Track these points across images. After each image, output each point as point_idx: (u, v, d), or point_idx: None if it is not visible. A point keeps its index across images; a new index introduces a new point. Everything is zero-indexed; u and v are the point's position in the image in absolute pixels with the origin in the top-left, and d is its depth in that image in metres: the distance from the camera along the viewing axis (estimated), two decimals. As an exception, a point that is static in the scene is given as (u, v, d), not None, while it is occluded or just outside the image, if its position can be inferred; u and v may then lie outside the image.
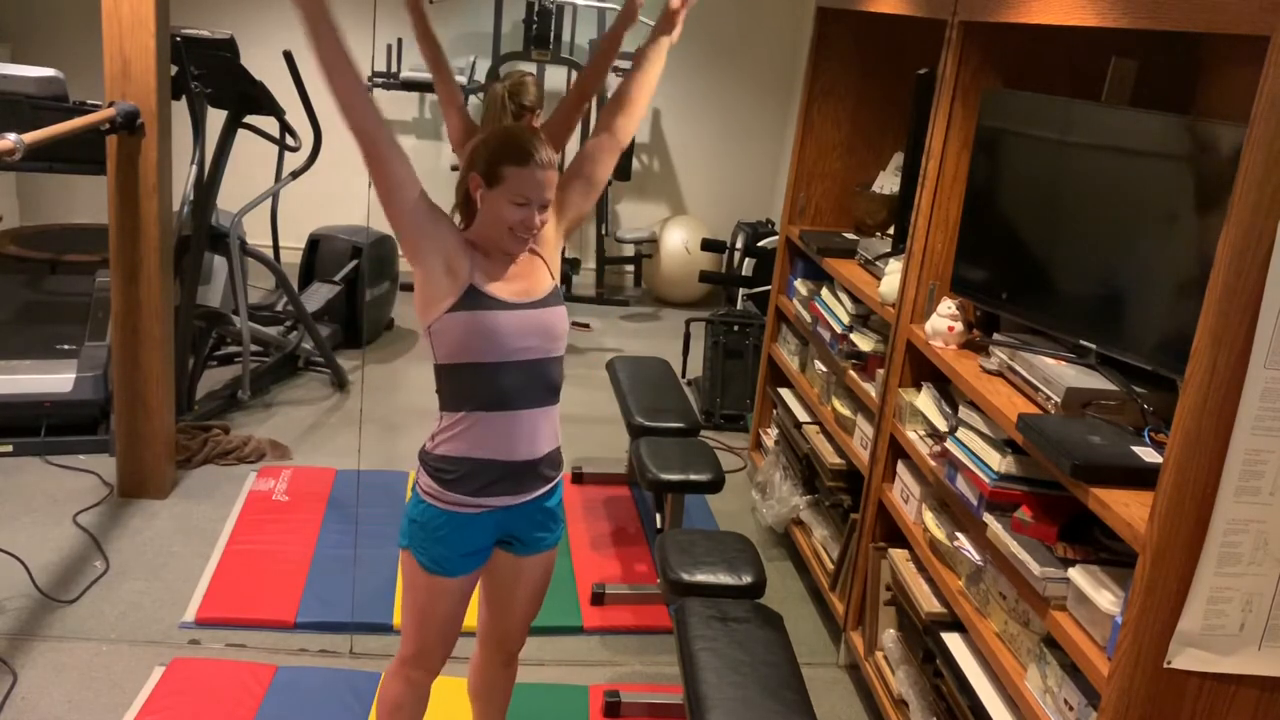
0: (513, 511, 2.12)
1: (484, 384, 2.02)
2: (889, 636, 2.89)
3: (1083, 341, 2.33)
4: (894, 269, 3.00)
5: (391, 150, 1.98)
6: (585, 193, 2.23)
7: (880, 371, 3.04)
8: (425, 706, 2.29)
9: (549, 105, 3.33)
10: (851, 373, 3.25)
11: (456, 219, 2.12)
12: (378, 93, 6.51)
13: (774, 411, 4.18)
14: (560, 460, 2.20)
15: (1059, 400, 2.20)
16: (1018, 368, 2.39)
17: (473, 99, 6.50)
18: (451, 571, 2.10)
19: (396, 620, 3.14)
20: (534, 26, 6.03)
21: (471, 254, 2.02)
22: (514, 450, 2.07)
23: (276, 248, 5.39)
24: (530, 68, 6.71)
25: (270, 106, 4.47)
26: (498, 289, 2.02)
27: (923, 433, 2.75)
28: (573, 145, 5.96)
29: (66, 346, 4.20)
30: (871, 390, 3.10)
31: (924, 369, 2.81)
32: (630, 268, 7.07)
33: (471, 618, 2.33)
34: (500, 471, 2.07)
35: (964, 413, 2.50)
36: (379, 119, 1.98)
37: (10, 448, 3.99)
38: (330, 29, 1.96)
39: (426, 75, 6.26)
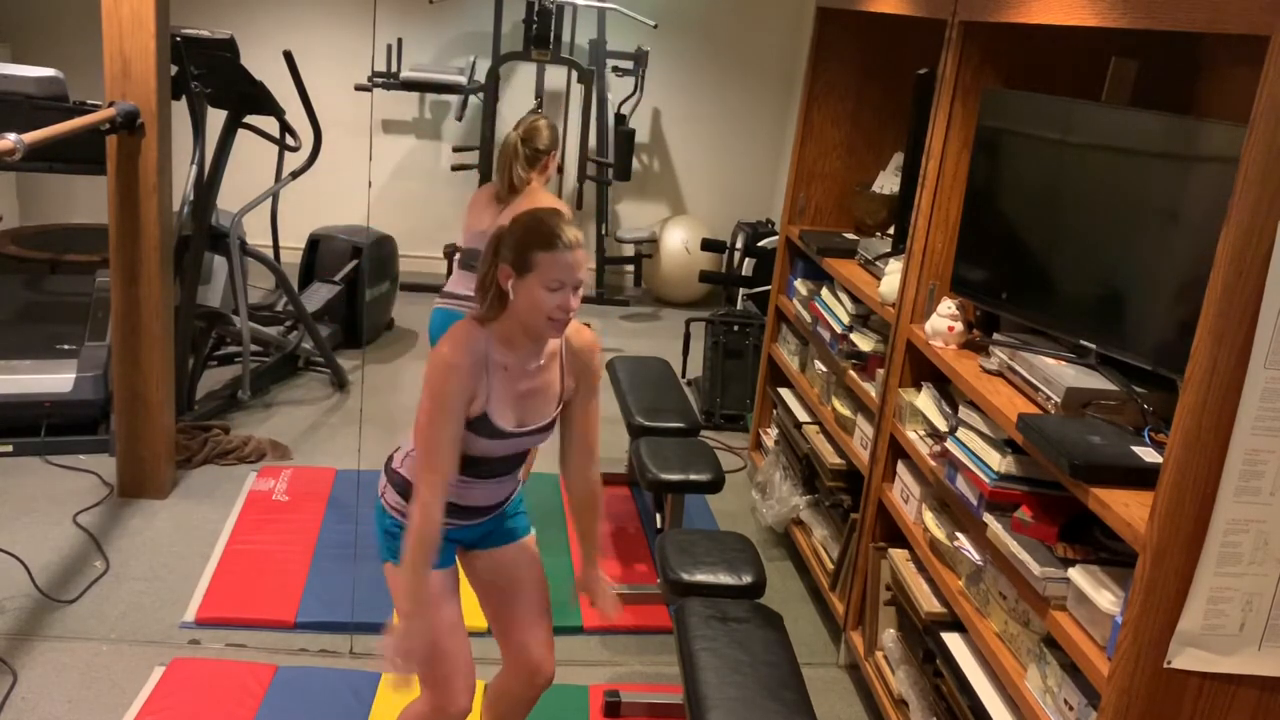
0: (468, 528, 2.21)
1: (465, 463, 2.08)
2: (889, 636, 2.89)
3: (1083, 341, 2.33)
4: (894, 269, 3.00)
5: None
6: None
7: (880, 371, 3.04)
8: None
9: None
10: (851, 373, 3.25)
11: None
12: (378, 93, 6.51)
13: (774, 411, 4.18)
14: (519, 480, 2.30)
15: (1059, 400, 2.20)
16: (1018, 368, 2.39)
17: (473, 98, 6.50)
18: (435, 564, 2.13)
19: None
20: (534, 26, 6.03)
21: (488, 371, 2.01)
22: (477, 500, 2.16)
23: (276, 248, 5.39)
24: (530, 68, 6.71)
25: (270, 106, 4.47)
26: (505, 414, 2.04)
27: (923, 433, 2.75)
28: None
29: (66, 346, 4.20)
30: (871, 390, 3.09)
31: (924, 369, 2.81)
32: (630, 268, 7.07)
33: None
34: (459, 511, 2.15)
35: (964, 413, 2.50)
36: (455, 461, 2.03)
37: (10, 448, 3.99)
38: (431, 550, 2.02)
39: (426, 75, 6.28)
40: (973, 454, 2.37)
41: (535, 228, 1.96)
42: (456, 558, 2.23)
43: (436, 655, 2.12)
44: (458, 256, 3.47)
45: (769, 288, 4.49)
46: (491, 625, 2.31)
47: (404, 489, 2.11)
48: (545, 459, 4.24)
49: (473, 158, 6.35)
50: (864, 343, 3.19)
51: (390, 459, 2.19)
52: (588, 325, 2.20)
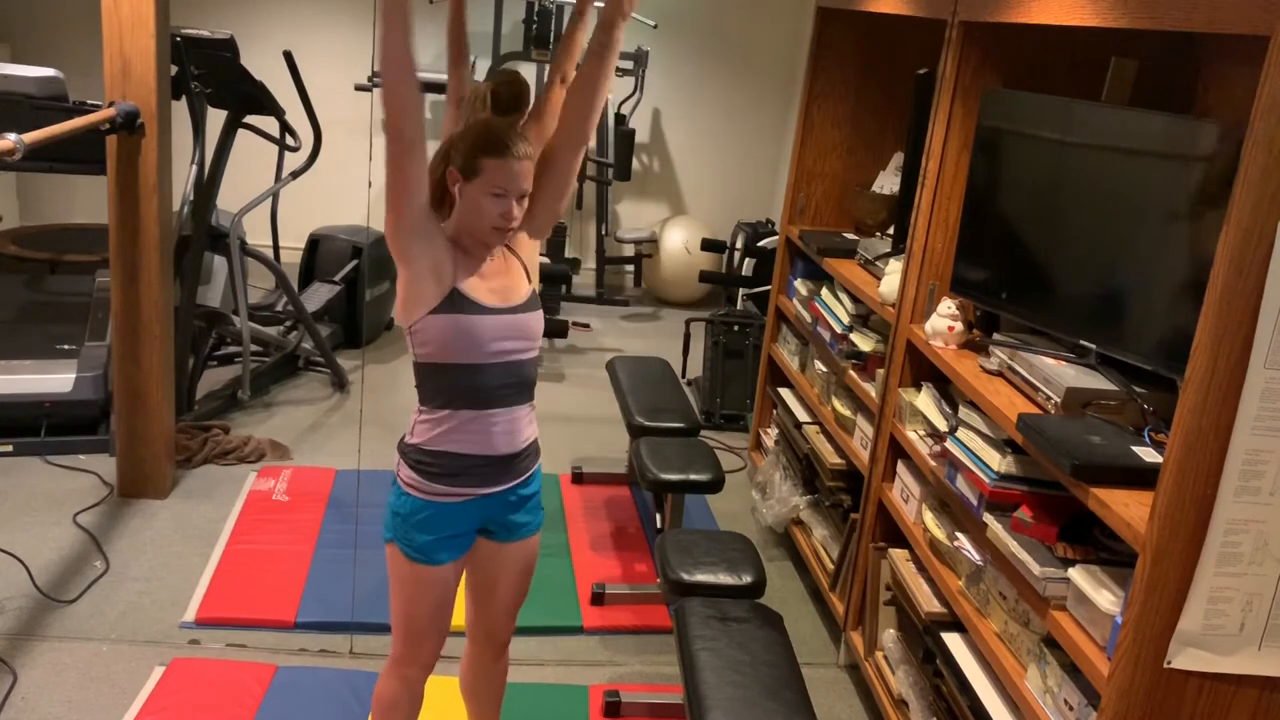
0: (493, 499, 2.16)
1: (464, 383, 2.06)
2: (889, 636, 2.89)
3: (1083, 341, 2.33)
4: (894, 269, 3.00)
5: (420, 156, 1.95)
6: (556, 195, 2.21)
7: (880, 371, 3.04)
8: (420, 705, 2.29)
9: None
10: (851, 373, 3.25)
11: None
12: (378, 93, 6.51)
13: (774, 411, 4.17)
14: (538, 449, 2.25)
15: (1059, 400, 2.20)
16: (1018, 368, 2.39)
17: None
18: (435, 559, 2.12)
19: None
20: (534, 26, 6.03)
21: (454, 254, 2.03)
22: (494, 445, 2.11)
23: (276, 248, 5.39)
24: (530, 68, 6.71)
25: (270, 106, 4.47)
26: (479, 292, 2.04)
27: (923, 433, 2.75)
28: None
29: (66, 346, 4.20)
30: (871, 390, 3.09)
31: (924, 369, 2.81)
32: (630, 268, 7.07)
33: (460, 615, 2.34)
34: (480, 464, 2.11)
35: (964, 413, 2.50)
36: (422, 127, 1.95)
37: (10, 448, 3.99)
38: (405, 26, 1.94)
39: (427, 75, 6.27)
40: (973, 454, 2.37)
41: (486, 135, 1.99)
42: (464, 554, 2.20)
43: (420, 611, 2.16)
44: None
45: (769, 288, 4.49)
46: (467, 596, 2.34)
47: (417, 462, 2.09)
48: (544, 458, 4.24)
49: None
50: (864, 343, 3.19)
51: (402, 439, 2.15)
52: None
